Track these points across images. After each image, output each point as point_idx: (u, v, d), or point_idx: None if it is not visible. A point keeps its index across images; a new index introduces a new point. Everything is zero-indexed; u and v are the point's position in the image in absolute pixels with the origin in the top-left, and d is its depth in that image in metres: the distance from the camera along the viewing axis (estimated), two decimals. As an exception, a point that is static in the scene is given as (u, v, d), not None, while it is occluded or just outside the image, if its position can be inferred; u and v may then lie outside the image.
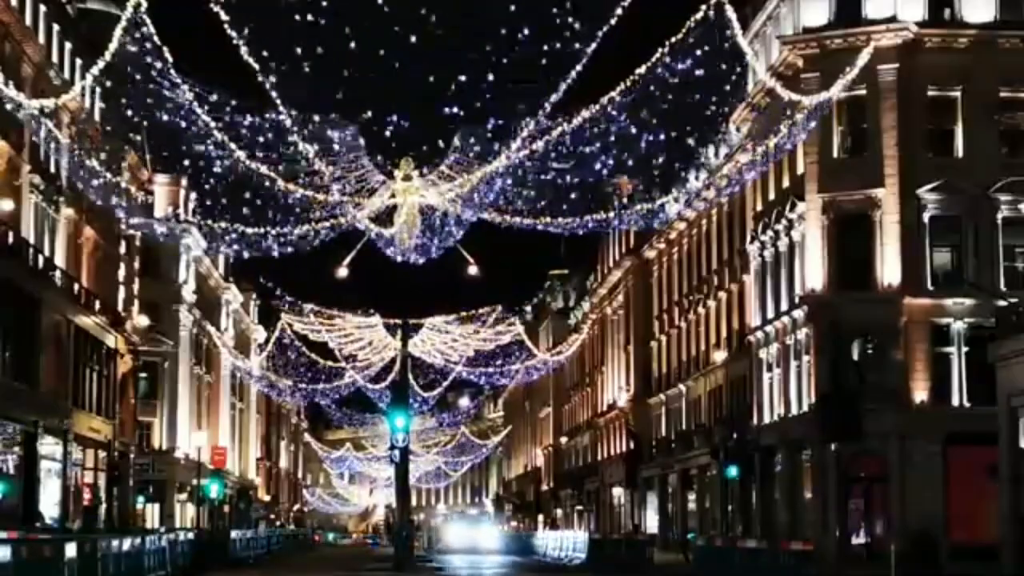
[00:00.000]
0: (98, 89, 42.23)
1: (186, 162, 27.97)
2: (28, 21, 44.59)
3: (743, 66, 29.86)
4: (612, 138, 27.09)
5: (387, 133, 27.49)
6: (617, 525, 77.02)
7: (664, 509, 71.01)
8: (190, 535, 40.44)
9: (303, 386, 66.19)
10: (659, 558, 48.81)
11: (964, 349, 43.93)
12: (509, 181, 29.42)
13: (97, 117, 51.11)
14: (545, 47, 24.34)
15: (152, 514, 66.50)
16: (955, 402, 43.90)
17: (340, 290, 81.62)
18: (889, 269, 44.47)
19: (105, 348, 53.84)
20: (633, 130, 26.82)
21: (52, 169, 47.11)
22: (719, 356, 58.38)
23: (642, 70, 25.45)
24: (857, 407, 31.90)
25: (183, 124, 26.09)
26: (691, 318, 65.25)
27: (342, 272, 36.93)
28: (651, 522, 72.02)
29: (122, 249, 59.09)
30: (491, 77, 24.95)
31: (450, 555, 60.44)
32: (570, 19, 23.67)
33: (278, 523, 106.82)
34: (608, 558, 45.21)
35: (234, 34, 23.40)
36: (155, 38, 24.32)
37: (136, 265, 62.74)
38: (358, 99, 26.42)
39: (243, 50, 23.72)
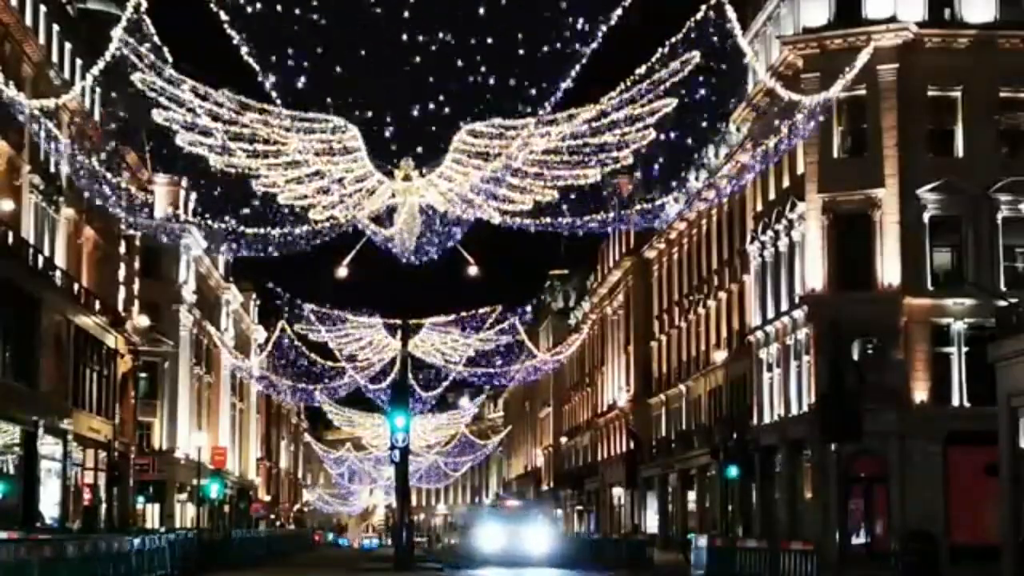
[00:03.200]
0: (98, 89, 42.24)
1: (186, 162, 27.98)
2: (28, 21, 44.60)
3: (743, 66, 29.85)
4: (612, 138, 27.09)
5: (387, 133, 27.51)
6: (617, 525, 77.02)
7: (664, 509, 71.03)
8: (190, 535, 40.42)
9: (303, 386, 66.16)
10: (659, 558, 48.79)
11: (964, 349, 43.94)
12: (509, 181, 29.41)
13: (97, 117, 51.12)
14: (545, 47, 24.35)
15: (152, 514, 66.48)
16: (955, 402, 43.91)
17: (340, 290, 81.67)
18: (889, 269, 44.48)
19: (105, 348, 53.85)
20: (633, 130, 26.82)
21: (52, 169, 47.13)
22: (719, 356, 58.38)
23: (642, 70, 25.46)
24: (857, 407, 31.88)
25: (183, 124, 26.10)
26: (691, 318, 65.26)
27: (342, 272, 36.89)
28: (651, 522, 72.02)
29: (122, 249, 59.12)
30: (491, 77, 24.97)
31: (477, 569, 42.73)
32: (570, 19, 23.68)
33: (278, 523, 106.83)
34: (608, 558, 45.16)
35: (234, 34, 23.41)
36: (155, 38, 24.34)
37: (136, 265, 62.78)
38: (358, 99, 26.43)
39: (243, 50, 23.74)
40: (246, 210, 29.97)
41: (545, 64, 24.76)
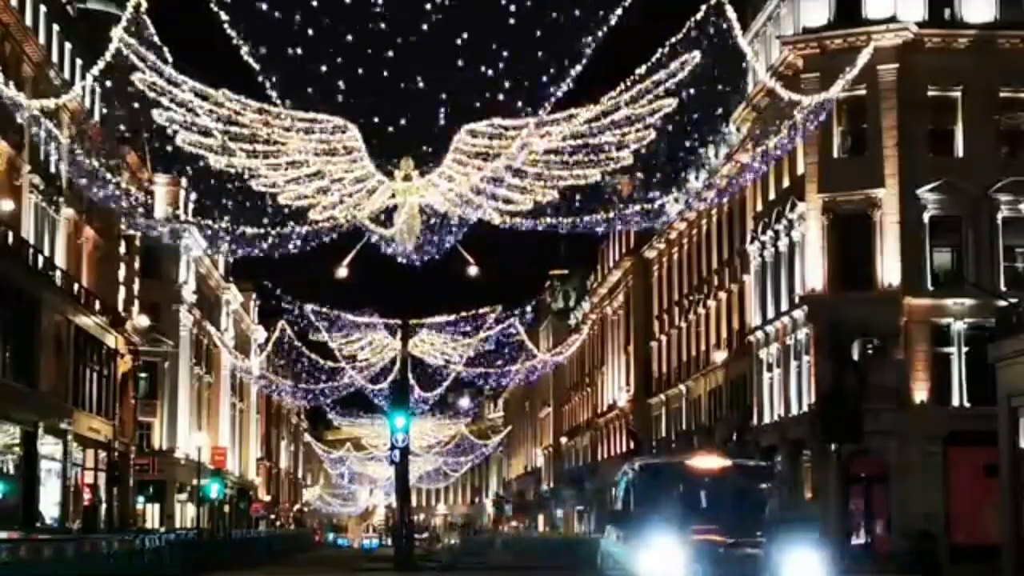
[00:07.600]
0: (98, 89, 42.24)
1: (186, 162, 27.96)
2: (28, 21, 44.62)
3: (743, 66, 29.85)
4: (612, 138, 27.08)
5: (387, 133, 27.49)
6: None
7: (664, 509, 70.87)
8: (190, 535, 40.45)
9: (303, 386, 66.15)
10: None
11: (964, 349, 43.93)
12: (509, 181, 29.39)
13: (97, 117, 51.14)
14: (545, 47, 24.35)
15: (152, 514, 66.49)
16: (955, 402, 43.90)
17: (340, 290, 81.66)
18: (889, 269, 44.47)
19: (105, 348, 53.85)
20: (633, 130, 26.81)
21: (52, 169, 47.13)
22: (719, 356, 58.38)
23: (642, 70, 25.46)
24: (857, 407, 31.87)
25: (183, 124, 26.09)
26: (691, 318, 65.25)
27: (342, 272, 36.86)
28: (651, 522, 71.78)
29: (122, 249, 59.12)
30: (491, 77, 24.96)
31: None
32: (570, 19, 23.67)
33: (278, 523, 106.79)
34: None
35: (234, 34, 23.40)
36: (155, 38, 24.33)
37: (136, 265, 62.77)
38: (358, 99, 26.41)
39: (243, 50, 23.72)
40: (246, 210, 29.94)
41: (545, 64, 24.77)
